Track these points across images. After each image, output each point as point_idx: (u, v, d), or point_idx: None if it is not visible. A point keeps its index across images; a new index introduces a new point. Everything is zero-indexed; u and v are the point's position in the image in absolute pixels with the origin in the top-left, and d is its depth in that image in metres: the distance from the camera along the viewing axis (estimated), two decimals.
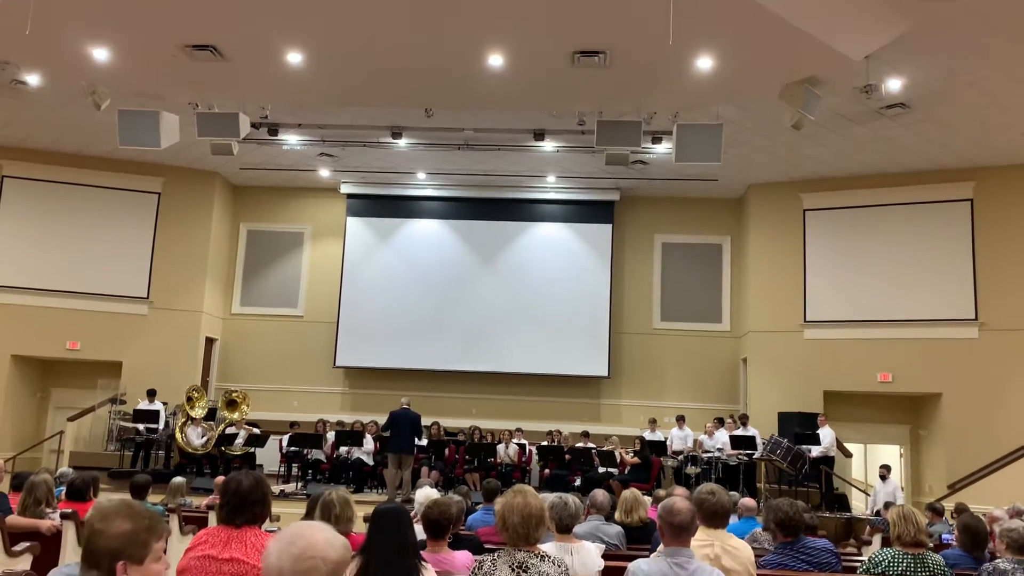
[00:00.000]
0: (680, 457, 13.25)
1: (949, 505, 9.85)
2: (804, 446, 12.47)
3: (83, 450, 14.33)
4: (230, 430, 13.64)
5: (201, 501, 8.68)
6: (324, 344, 16.25)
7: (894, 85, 10.56)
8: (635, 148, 11.00)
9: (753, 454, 12.83)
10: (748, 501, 7.16)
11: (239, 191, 16.90)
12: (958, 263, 13.65)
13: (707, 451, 13.11)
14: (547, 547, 3.82)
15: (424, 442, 13.07)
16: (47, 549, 5.31)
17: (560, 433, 14.13)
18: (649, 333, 16.11)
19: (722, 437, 13.18)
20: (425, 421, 13.34)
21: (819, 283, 14.59)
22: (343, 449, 13.24)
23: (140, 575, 2.06)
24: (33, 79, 11.56)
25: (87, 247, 15.17)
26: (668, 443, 13.62)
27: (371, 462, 13.11)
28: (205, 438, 13.45)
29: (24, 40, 9.53)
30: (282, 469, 13.61)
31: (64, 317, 14.84)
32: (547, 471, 13.20)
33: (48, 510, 5.85)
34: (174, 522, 6.53)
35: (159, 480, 9.63)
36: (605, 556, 4.55)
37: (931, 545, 4.94)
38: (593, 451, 13.12)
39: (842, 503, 12.32)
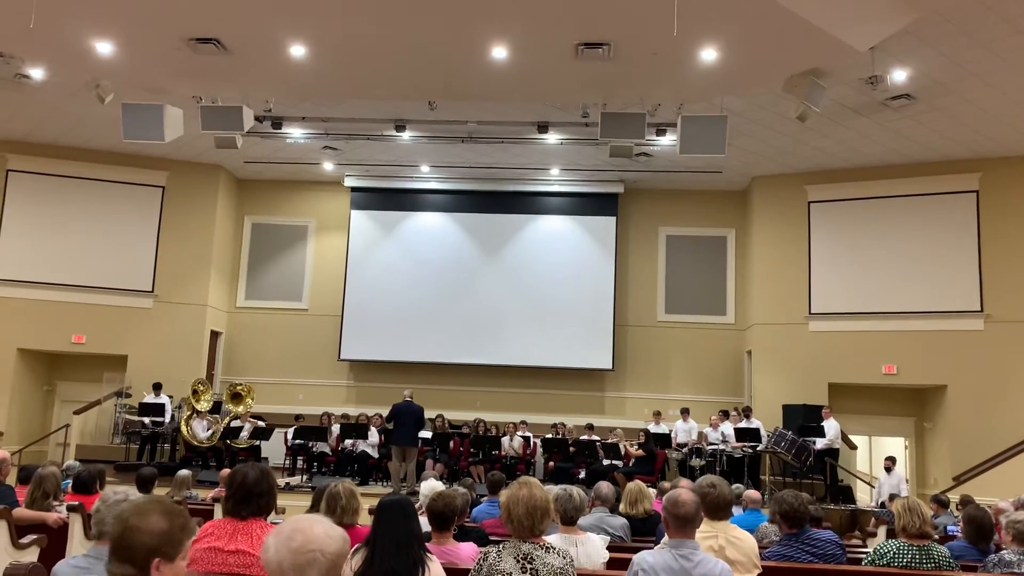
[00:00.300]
0: (684, 450, 13.25)
1: (954, 497, 9.85)
2: (809, 438, 12.47)
3: (89, 443, 14.39)
4: (235, 423, 13.67)
5: (207, 494, 8.71)
6: (329, 337, 16.27)
7: (899, 76, 10.52)
8: (639, 140, 10.95)
9: (757, 446, 12.82)
10: (753, 493, 7.17)
11: (243, 184, 16.91)
12: (964, 255, 13.61)
13: (711, 444, 13.11)
14: (552, 539, 3.83)
15: (429, 434, 13.10)
16: (54, 541, 5.34)
17: (564, 426, 14.14)
18: (653, 326, 16.10)
19: (726, 430, 13.18)
20: (430, 414, 13.39)
21: (824, 275, 14.56)
22: (348, 442, 13.26)
23: (172, 572, 2.07)
24: (37, 73, 11.57)
25: (92, 241, 15.20)
26: (672, 436, 13.62)
27: (376, 455, 13.14)
28: (210, 431, 13.49)
29: (28, 34, 9.52)
30: (287, 462, 13.63)
31: (69, 311, 14.88)
32: (551, 463, 13.21)
33: (55, 503, 5.88)
34: None
35: (165, 473, 9.68)
36: (610, 548, 4.57)
37: (936, 537, 4.94)
38: (597, 444, 13.12)
39: (847, 495, 12.31)
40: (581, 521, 4.76)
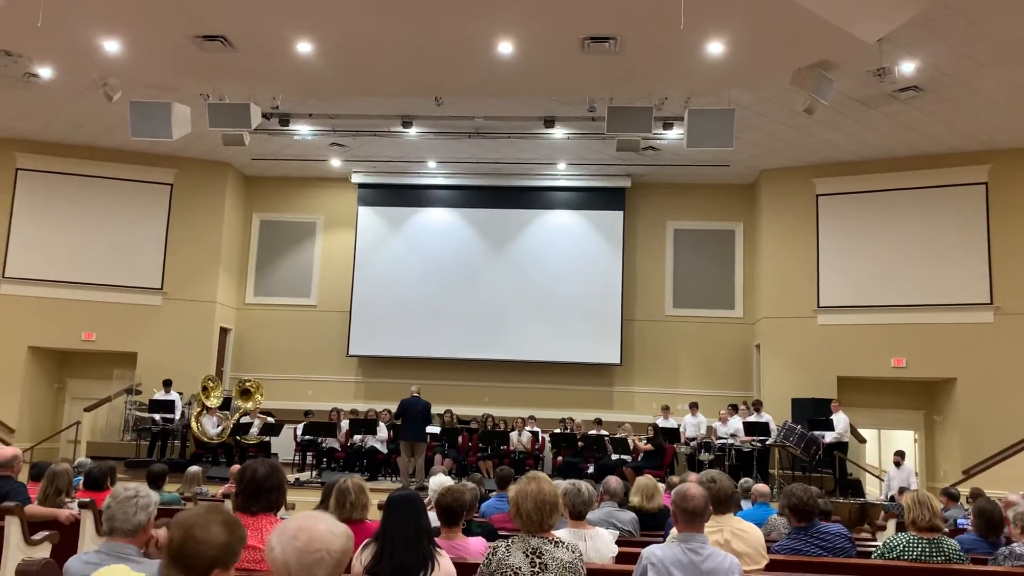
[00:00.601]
0: (693, 444, 13.23)
1: (964, 490, 9.82)
2: (818, 432, 12.44)
3: (100, 440, 14.48)
4: (245, 419, 13.73)
5: (217, 490, 8.75)
6: (337, 333, 16.31)
7: (907, 68, 10.46)
8: (646, 134, 10.93)
9: (767, 440, 12.81)
10: (762, 487, 7.16)
11: (251, 181, 16.95)
12: (973, 247, 13.54)
13: (720, 438, 13.09)
14: (561, 533, 3.83)
15: (437, 430, 13.12)
16: (66, 538, 5.37)
17: (573, 420, 14.15)
18: (661, 320, 16.09)
19: (735, 424, 13.16)
20: (438, 409, 13.40)
21: (832, 268, 14.51)
22: (357, 437, 13.29)
23: None
24: (45, 72, 11.61)
25: (101, 239, 15.27)
26: (681, 430, 13.61)
27: (385, 450, 13.17)
28: (220, 427, 13.55)
29: (36, 33, 9.57)
30: (297, 458, 13.69)
31: (79, 308, 14.95)
32: (560, 458, 13.23)
33: (67, 500, 5.92)
34: None
35: (175, 469, 9.73)
36: (618, 542, 4.57)
37: (946, 530, 4.93)
38: (606, 438, 13.13)
39: (856, 489, 12.28)
40: (590, 516, 4.77)
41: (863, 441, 14.32)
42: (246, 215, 16.96)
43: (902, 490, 9.78)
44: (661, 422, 13.66)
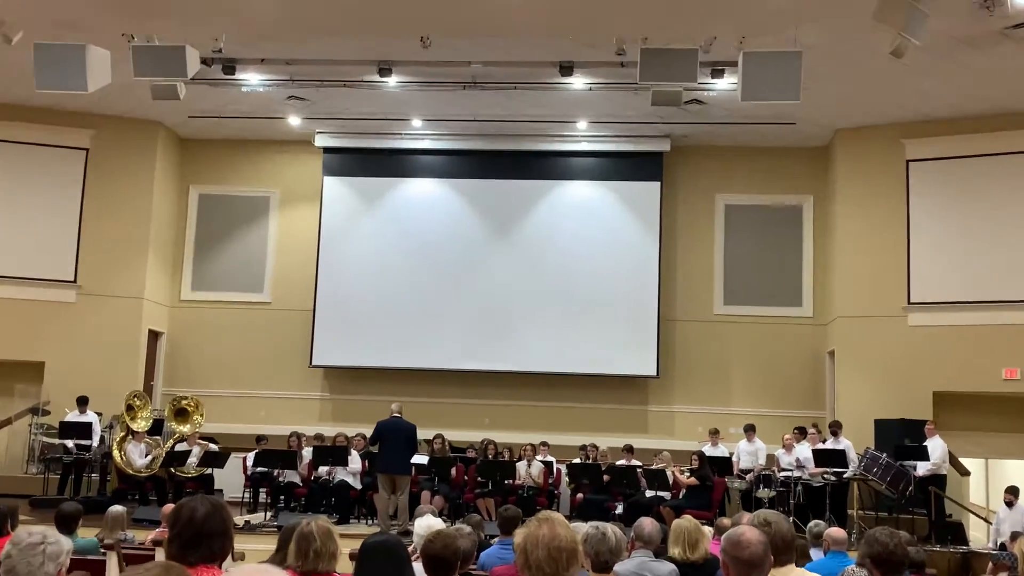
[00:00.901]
0: (749, 477, 13.25)
1: None
2: (908, 462, 12.44)
3: None
4: (180, 446, 13.75)
5: (146, 535, 8.77)
6: (298, 338, 16.34)
7: None
8: (689, 84, 10.92)
9: (843, 472, 12.80)
10: (837, 532, 7.18)
11: (188, 145, 16.97)
12: None
13: (784, 469, 13.10)
14: None
15: (424, 459, 13.14)
16: None
17: (596, 448, 14.16)
18: (709, 320, 16.09)
19: (803, 451, 13.16)
20: (426, 433, 13.43)
21: (927, 254, 14.47)
22: (323, 469, 13.31)
23: None
24: None
25: None
26: (734, 460, 13.63)
27: (358, 485, 13.19)
28: (150, 457, 13.57)
29: None
30: (247, 495, 13.73)
31: None
32: (580, 495, 13.25)
33: None
34: (112, 561, 6.60)
35: (93, 510, 9.74)
36: None
37: None
38: (638, 470, 13.15)
39: (957, 533, 12.29)
40: (618, 567, 4.77)
41: (966, 474, 14.31)
42: (181, 188, 16.98)
43: (1015, 536, 9.78)
44: (708, 450, 13.67)
